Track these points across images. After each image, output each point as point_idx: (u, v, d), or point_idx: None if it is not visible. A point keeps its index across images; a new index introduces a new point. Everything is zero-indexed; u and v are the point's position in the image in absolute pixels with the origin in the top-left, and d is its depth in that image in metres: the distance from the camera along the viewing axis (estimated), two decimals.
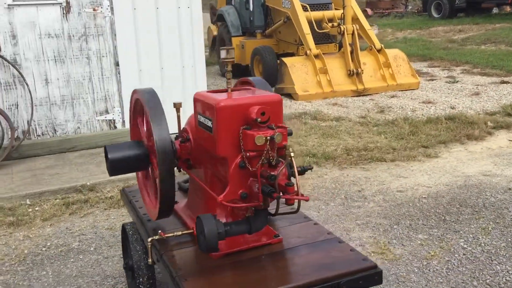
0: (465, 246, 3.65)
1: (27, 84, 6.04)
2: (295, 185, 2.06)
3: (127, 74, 6.54)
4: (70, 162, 5.86)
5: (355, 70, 9.31)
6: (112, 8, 6.33)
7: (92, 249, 3.91)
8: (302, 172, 2.26)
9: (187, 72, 6.87)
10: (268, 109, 2.05)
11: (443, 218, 4.13)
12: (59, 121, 6.39)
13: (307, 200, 2.04)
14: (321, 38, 10.47)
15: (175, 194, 2.31)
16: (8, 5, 5.90)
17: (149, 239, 2.29)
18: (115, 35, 6.42)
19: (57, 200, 4.83)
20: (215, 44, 13.61)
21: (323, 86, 9.15)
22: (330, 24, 10.02)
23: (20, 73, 6.01)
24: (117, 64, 6.50)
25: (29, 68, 6.12)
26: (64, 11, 6.16)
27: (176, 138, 2.61)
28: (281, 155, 2.08)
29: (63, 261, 3.73)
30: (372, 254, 3.60)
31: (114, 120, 6.62)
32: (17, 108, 6.15)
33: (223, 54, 2.31)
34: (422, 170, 5.34)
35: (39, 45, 6.12)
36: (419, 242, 3.75)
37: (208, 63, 14.86)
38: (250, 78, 2.72)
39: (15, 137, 6.03)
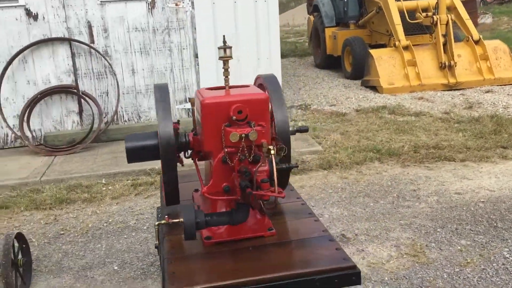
0: (508, 256, 3.42)
1: (115, 74, 6.64)
2: (274, 181, 2.12)
3: (205, 66, 6.90)
4: None
5: (447, 63, 8.81)
6: (192, 3, 6.69)
7: (145, 227, 4.29)
8: (286, 169, 2.31)
9: (262, 64, 7.05)
10: (246, 107, 2.14)
11: (494, 224, 3.88)
12: (143, 108, 6.93)
13: (282, 197, 2.11)
14: (415, 29, 10.02)
15: (177, 183, 2.49)
16: (101, 1, 6.52)
17: (156, 223, 2.52)
18: (195, 28, 6.79)
19: (128, 181, 5.30)
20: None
21: (410, 79, 8.81)
22: (424, 14, 9.56)
23: (109, 64, 6.63)
24: (196, 56, 6.88)
25: (118, 60, 6.72)
26: (150, 7, 6.64)
27: (192, 130, 2.79)
28: (259, 152, 2.15)
29: (117, 237, 4.14)
30: (404, 256, 3.52)
31: (192, 109, 7.01)
32: (107, 95, 6.79)
33: (220, 52, 2.43)
34: (491, 172, 5.00)
35: (127, 38, 6.68)
36: (459, 247, 3.59)
37: (306, 54, 14.95)
38: (262, 75, 2.82)
39: (104, 121, 6.68)
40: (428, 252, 3.55)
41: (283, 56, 15.42)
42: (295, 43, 17.76)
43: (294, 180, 5.11)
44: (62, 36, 6.51)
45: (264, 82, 2.66)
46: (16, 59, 6.44)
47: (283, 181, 2.65)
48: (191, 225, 2.07)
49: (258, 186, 2.12)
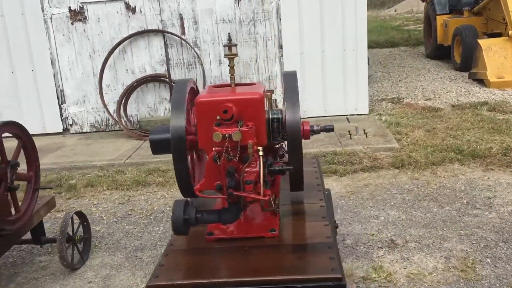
0: None
1: (201, 64, 6.92)
2: (260, 184, 2.11)
3: (290, 57, 6.89)
4: None
5: None
6: None
7: None
8: (278, 172, 2.27)
9: (348, 55, 6.84)
10: (234, 107, 2.13)
11: None
12: None
13: (264, 199, 2.09)
14: None
15: (189, 176, 2.57)
16: None
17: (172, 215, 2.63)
18: (280, 19, 6.80)
19: None
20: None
21: None
22: None
23: (197, 54, 6.92)
24: (280, 47, 6.90)
25: (206, 50, 6.99)
26: None
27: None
28: (245, 153, 2.14)
29: None
30: (451, 270, 3.26)
31: (275, 99, 7.08)
32: (204, 83, 7.10)
33: (225, 50, 2.44)
34: None
35: (215, 29, 6.91)
36: None
37: (420, 43, 14.14)
38: (284, 72, 2.77)
39: None
40: (479, 268, 3.25)
41: (394, 45, 14.82)
42: (410, 31, 16.86)
43: (360, 177, 4.95)
44: (157, 28, 6.94)
45: (284, 79, 2.63)
46: (117, 49, 7.01)
47: (295, 184, 2.61)
48: (179, 221, 2.15)
49: (242, 187, 2.13)
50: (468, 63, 9.25)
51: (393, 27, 18.69)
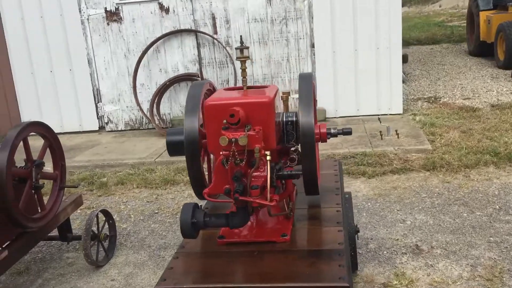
0: None
1: (233, 63, 6.94)
2: (266, 189, 2.09)
3: (322, 55, 6.81)
4: None
5: None
6: None
7: None
8: (287, 176, 2.23)
9: (382, 54, 6.70)
10: (242, 111, 2.10)
11: None
12: None
13: (271, 205, 2.06)
14: None
15: (202, 178, 2.57)
16: None
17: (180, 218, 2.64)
18: (312, 18, 6.72)
19: None
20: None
21: None
22: None
23: (229, 54, 6.94)
24: (312, 45, 6.82)
25: None
26: None
27: None
28: (253, 157, 2.11)
29: None
30: (477, 279, 3.14)
31: None
32: (227, 83, 7.13)
33: (237, 53, 2.42)
34: None
35: (246, 29, 6.91)
36: None
37: (463, 40, 13.70)
38: (300, 74, 2.73)
39: None
40: (506, 278, 3.11)
41: (435, 42, 14.41)
42: (453, 28, 16.34)
43: (389, 180, 4.84)
44: (189, 28, 7.00)
45: (299, 81, 2.59)
46: (151, 48, 7.12)
47: (310, 188, 2.56)
48: (187, 224, 2.15)
49: (249, 192, 2.11)
50: None
51: (436, 23, 18.17)
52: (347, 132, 2.75)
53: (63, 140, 7.38)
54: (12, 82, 7.58)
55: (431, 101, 7.53)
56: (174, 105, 7.30)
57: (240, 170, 2.13)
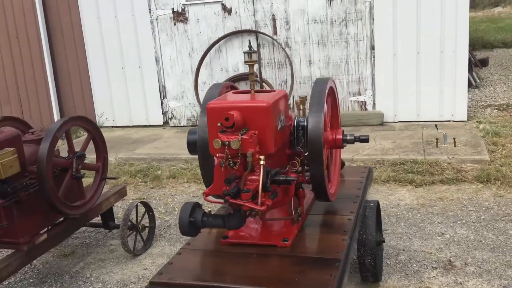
0: None
1: (290, 64, 6.96)
2: (258, 193, 2.11)
3: (382, 58, 6.64)
4: None
5: None
6: None
7: None
8: (282, 182, 2.23)
9: (446, 57, 6.41)
10: (238, 115, 2.14)
11: None
12: None
13: (260, 210, 2.08)
14: None
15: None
16: None
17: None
18: (373, 19, 6.57)
19: None
20: None
21: None
22: None
23: (287, 54, 6.97)
24: (372, 48, 6.67)
25: (297, 51, 7.01)
26: None
27: None
28: (246, 161, 2.14)
29: None
30: None
31: (365, 102, 6.87)
32: (285, 84, 7.17)
33: (245, 57, 2.46)
34: None
35: (306, 30, 6.90)
36: None
37: None
38: (318, 78, 2.73)
39: None
40: None
41: None
42: None
43: (437, 190, 4.65)
44: (250, 29, 7.11)
45: (313, 85, 2.60)
46: (213, 48, 7.33)
47: (318, 194, 2.56)
48: (185, 222, 2.24)
49: (239, 196, 2.15)
50: None
51: None
52: (364, 140, 2.72)
53: (130, 132, 7.87)
54: (88, 77, 8.13)
55: (501, 109, 7.08)
56: None
57: (235, 173, 2.18)
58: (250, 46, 2.49)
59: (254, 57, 2.46)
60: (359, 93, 6.87)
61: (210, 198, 2.33)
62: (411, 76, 6.58)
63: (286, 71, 7.11)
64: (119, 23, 7.70)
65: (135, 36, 7.67)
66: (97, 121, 8.15)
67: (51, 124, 8.19)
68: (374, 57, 6.68)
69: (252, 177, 2.16)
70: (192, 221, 2.26)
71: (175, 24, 7.46)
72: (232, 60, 7.32)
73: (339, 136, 2.68)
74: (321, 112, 2.44)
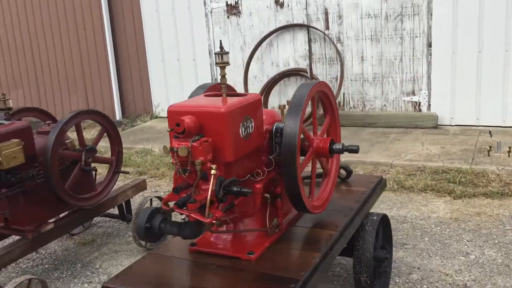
0: None
1: (340, 60, 6.68)
2: (206, 204, 2.00)
3: (439, 56, 6.19)
4: (357, 136, 6.22)
5: None
6: None
7: None
8: (236, 193, 2.07)
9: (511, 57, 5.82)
10: (183, 120, 2.01)
11: None
12: (369, 97, 6.76)
13: (206, 222, 1.97)
14: None
15: None
16: None
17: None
18: (431, 14, 6.12)
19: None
20: None
21: None
22: None
23: (337, 50, 6.69)
24: (429, 45, 6.22)
25: (349, 46, 6.71)
26: None
27: None
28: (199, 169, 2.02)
29: None
30: None
31: (419, 102, 6.44)
32: (336, 81, 6.91)
33: (216, 58, 2.33)
34: None
35: (359, 25, 6.58)
36: None
37: None
38: (304, 82, 2.54)
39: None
40: None
41: None
42: None
43: (477, 204, 4.25)
44: (302, 23, 6.91)
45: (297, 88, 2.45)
46: (264, 42, 7.22)
47: (295, 205, 2.39)
48: (141, 227, 2.18)
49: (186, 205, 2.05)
50: None
51: None
52: (352, 150, 2.51)
53: None
54: (147, 68, 8.36)
55: None
56: (283, 100, 7.31)
57: (188, 182, 2.08)
58: (221, 47, 2.36)
59: (226, 58, 2.33)
60: (413, 93, 6.44)
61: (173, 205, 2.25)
62: (471, 76, 6.06)
63: (337, 68, 6.84)
64: (175, 16, 7.83)
65: (190, 28, 7.75)
66: (153, 111, 8.37)
67: (112, 114, 8.57)
68: (430, 54, 6.22)
69: (206, 187, 2.05)
70: (148, 227, 2.19)
71: (228, 17, 7.44)
72: (283, 55, 7.17)
73: (326, 145, 2.49)
74: (298, 116, 2.28)
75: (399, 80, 6.51)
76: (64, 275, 3.66)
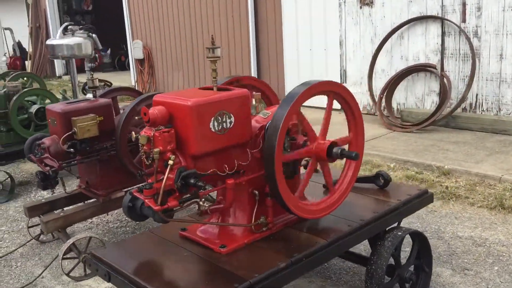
0: None
1: (473, 58, 5.97)
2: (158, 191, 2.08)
3: None
4: (480, 142, 5.54)
5: None
6: None
7: None
8: (193, 185, 2.07)
9: None
10: (148, 110, 2.08)
11: None
12: (506, 100, 5.94)
13: (155, 209, 2.05)
14: None
15: None
16: None
17: None
18: None
19: (409, 170, 5.00)
20: None
21: None
22: None
23: (471, 45, 5.99)
24: None
25: (487, 42, 5.96)
26: None
27: None
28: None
29: None
30: None
31: None
32: (470, 79, 6.19)
33: (208, 53, 2.32)
34: None
35: (500, 18, 5.79)
36: None
37: None
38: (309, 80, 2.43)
39: (452, 107, 6.15)
40: None
41: None
42: None
43: (507, 218, 3.53)
44: (435, 15, 6.34)
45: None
46: (395, 34, 6.82)
47: (276, 199, 2.33)
48: (124, 206, 2.33)
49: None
50: None
51: None
52: (349, 156, 2.35)
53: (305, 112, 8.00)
54: (282, 57, 8.56)
55: None
56: (410, 96, 6.85)
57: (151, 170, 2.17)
58: (213, 41, 2.37)
59: (217, 52, 2.33)
60: None
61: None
62: None
63: (472, 65, 6.13)
64: (311, 5, 7.84)
65: (323, 19, 7.70)
66: None
67: None
68: None
69: (170, 176, 2.12)
70: (130, 206, 2.33)
71: (361, 7, 7.18)
72: (414, 48, 6.69)
73: (323, 147, 2.37)
74: (289, 105, 2.23)
75: None
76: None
